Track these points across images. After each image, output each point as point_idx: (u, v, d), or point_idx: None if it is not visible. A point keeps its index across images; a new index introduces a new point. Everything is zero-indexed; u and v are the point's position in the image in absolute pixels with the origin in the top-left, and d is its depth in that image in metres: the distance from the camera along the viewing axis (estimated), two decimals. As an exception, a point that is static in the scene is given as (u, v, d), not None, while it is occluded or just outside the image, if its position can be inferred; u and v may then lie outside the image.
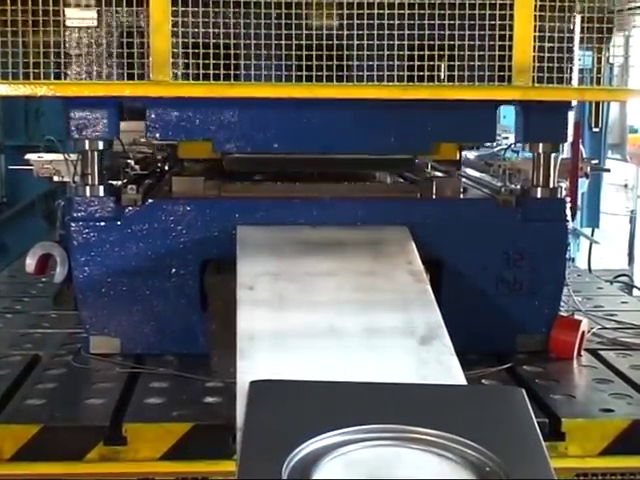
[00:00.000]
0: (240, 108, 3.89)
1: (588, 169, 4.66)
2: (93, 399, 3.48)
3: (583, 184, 4.87)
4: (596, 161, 6.58)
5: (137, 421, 3.27)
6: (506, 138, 6.13)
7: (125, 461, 3.20)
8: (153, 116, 3.90)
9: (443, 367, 3.02)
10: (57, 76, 3.53)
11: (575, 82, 3.73)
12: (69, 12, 3.54)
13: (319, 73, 3.47)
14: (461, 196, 4.33)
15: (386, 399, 2.72)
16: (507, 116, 8.53)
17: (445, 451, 2.50)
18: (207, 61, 3.48)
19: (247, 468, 2.40)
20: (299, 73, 3.50)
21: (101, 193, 3.94)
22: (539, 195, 4.10)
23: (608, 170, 7.48)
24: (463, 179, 4.56)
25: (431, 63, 3.53)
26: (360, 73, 3.49)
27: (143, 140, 5.44)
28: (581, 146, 4.67)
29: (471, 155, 5.64)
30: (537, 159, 4.09)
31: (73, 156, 4.07)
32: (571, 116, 4.04)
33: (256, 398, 2.70)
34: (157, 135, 3.95)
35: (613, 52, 3.78)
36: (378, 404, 2.70)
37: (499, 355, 4.01)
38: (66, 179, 4.31)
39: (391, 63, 3.49)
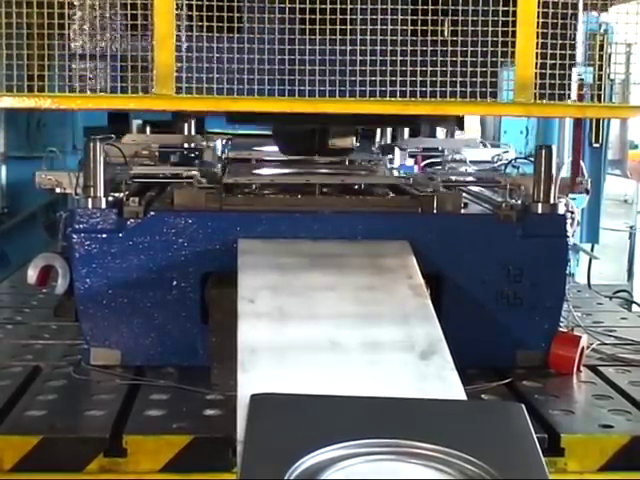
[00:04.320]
0: None
1: (589, 185, 4.67)
2: (93, 411, 3.48)
3: (583, 200, 4.88)
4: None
5: (137, 433, 3.27)
6: (506, 152, 6.15)
7: (125, 473, 3.20)
8: None
9: (443, 382, 3.03)
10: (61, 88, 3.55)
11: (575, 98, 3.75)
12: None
13: (322, 88, 3.49)
14: (462, 211, 4.34)
15: (386, 414, 2.73)
16: (508, 131, 8.61)
17: (444, 466, 2.50)
18: (210, 75, 3.50)
19: None
20: (302, 88, 3.51)
21: (103, 205, 3.95)
22: (540, 211, 4.12)
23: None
24: (464, 194, 4.57)
25: (433, 79, 3.53)
26: (363, 88, 3.50)
27: (145, 152, 5.46)
28: (581, 162, 4.70)
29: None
30: (538, 174, 4.11)
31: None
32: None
33: (257, 412, 2.71)
34: None
35: (614, 69, 3.80)
36: (378, 419, 2.70)
37: (499, 370, 4.01)
38: (68, 191, 4.33)
39: (393, 79, 3.50)
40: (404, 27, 3.56)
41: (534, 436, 2.66)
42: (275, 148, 5.40)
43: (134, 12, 3.47)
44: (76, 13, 3.62)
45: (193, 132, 6.57)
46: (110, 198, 3.99)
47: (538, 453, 2.58)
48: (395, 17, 3.59)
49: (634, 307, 7.34)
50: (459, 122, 6.38)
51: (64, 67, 3.53)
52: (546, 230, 4.08)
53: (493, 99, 3.54)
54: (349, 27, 3.54)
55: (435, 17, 3.60)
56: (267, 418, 2.70)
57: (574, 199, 4.52)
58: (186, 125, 6.44)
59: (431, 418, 2.74)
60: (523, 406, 2.84)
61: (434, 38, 3.56)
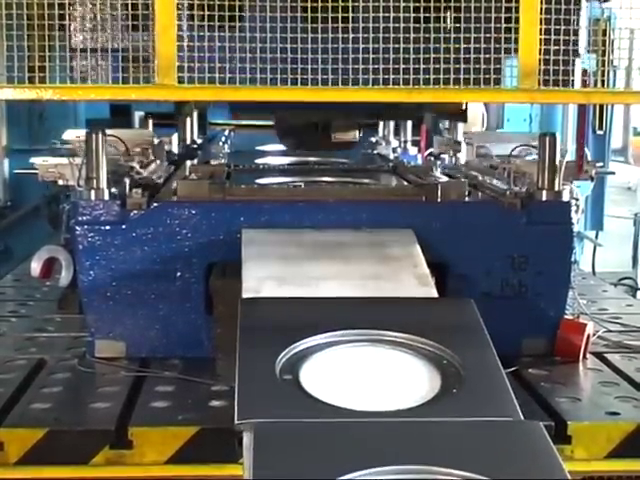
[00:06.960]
0: None
1: (593, 172, 4.65)
2: (99, 403, 3.47)
3: (587, 187, 4.86)
4: (601, 164, 6.54)
5: (143, 425, 3.27)
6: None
7: (131, 465, 3.20)
8: None
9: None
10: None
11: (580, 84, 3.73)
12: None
13: (324, 77, 3.47)
14: (466, 199, 4.32)
15: (402, 427, 2.67)
16: (511, 119, 8.58)
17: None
18: (212, 64, 3.49)
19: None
20: (304, 76, 3.49)
21: (106, 197, 3.94)
22: (544, 198, 4.10)
23: (613, 173, 7.48)
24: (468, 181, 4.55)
25: (436, 66, 3.51)
26: (365, 76, 3.48)
27: (137, 150, 5.40)
28: (585, 149, 4.67)
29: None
30: (542, 162, 4.09)
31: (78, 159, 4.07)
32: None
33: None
34: None
35: (618, 54, 3.77)
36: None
37: (504, 358, 3.99)
38: (71, 183, 4.32)
39: (396, 66, 3.48)
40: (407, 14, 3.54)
41: (555, 451, 2.53)
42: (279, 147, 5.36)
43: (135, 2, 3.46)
44: (77, 4, 3.61)
45: (195, 124, 6.55)
46: (113, 190, 3.98)
47: (560, 466, 2.45)
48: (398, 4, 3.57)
49: (639, 294, 7.32)
50: (462, 114, 6.16)
51: (65, 58, 3.51)
52: (551, 217, 4.06)
53: (497, 86, 3.52)
54: (351, 15, 3.52)
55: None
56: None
57: (579, 186, 4.50)
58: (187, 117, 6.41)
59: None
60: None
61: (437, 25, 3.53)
